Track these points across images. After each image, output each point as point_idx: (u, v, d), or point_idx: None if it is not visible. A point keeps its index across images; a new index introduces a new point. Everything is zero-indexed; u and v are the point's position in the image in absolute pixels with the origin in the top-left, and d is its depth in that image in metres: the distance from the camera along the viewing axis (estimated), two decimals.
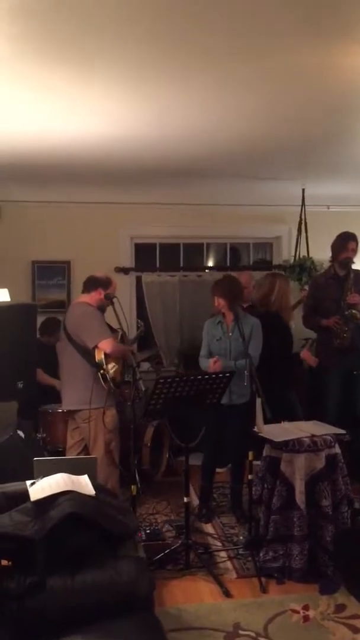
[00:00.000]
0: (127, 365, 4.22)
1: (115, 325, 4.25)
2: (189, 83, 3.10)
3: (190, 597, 3.36)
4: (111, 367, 4.02)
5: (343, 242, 4.88)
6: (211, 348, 4.33)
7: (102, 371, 3.98)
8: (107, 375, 3.99)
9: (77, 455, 4.19)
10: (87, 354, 4.05)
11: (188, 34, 2.52)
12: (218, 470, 4.62)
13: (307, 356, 4.94)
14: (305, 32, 2.50)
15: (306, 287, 5.78)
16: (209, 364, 4.15)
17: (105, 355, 3.99)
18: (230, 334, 4.26)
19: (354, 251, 4.90)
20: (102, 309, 4.26)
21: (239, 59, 2.80)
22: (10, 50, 2.57)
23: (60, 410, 4.49)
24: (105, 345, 3.99)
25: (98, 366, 4.00)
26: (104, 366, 3.98)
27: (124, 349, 4.22)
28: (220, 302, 4.25)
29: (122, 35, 2.52)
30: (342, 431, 3.83)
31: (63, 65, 2.78)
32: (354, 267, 4.91)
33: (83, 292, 4.33)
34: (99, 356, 3.99)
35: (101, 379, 4.00)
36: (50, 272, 6.23)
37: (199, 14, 2.35)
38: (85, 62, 2.76)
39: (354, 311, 4.71)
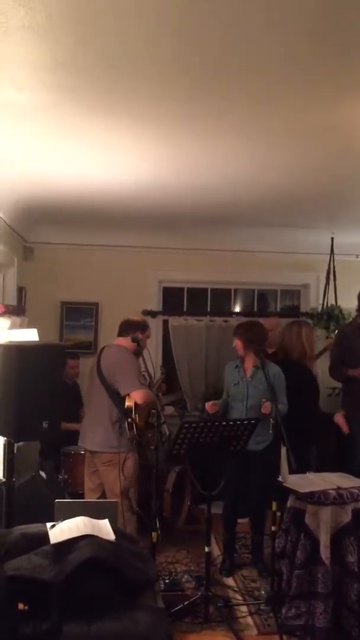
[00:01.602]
0: (151, 409, 4.19)
1: (141, 368, 4.24)
2: (219, 136, 3.19)
3: None
4: (138, 416, 4.00)
5: None
6: (230, 392, 4.31)
7: (129, 420, 3.95)
8: (135, 423, 3.95)
9: (96, 499, 4.13)
10: (117, 399, 4.02)
11: (218, 90, 2.61)
12: (240, 520, 4.50)
13: (341, 422, 4.80)
14: (336, 86, 2.56)
15: (332, 336, 5.75)
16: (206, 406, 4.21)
17: (135, 403, 3.97)
18: (250, 379, 4.22)
19: None
20: (137, 353, 4.23)
21: (269, 114, 2.88)
22: (51, 99, 2.68)
23: (82, 452, 4.46)
24: (138, 396, 3.94)
25: (126, 413, 3.97)
26: (132, 415, 3.96)
27: (154, 401, 4.16)
28: (237, 344, 4.27)
29: (158, 92, 2.63)
30: None
31: (100, 116, 2.88)
32: None
33: (119, 334, 4.28)
34: (129, 403, 3.96)
35: (127, 426, 3.96)
36: (79, 313, 6.30)
37: (228, 72, 2.43)
38: (120, 114, 2.87)
39: None
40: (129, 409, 3.97)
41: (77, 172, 3.85)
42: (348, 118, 2.86)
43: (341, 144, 3.25)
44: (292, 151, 3.41)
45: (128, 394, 3.98)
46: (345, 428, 4.78)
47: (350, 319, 5.46)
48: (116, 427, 3.98)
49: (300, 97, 2.66)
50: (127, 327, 4.25)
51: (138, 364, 4.18)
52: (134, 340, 4.17)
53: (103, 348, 4.36)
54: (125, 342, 4.20)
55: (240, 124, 3.03)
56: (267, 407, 4.02)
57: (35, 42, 2.16)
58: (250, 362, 4.25)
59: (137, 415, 3.98)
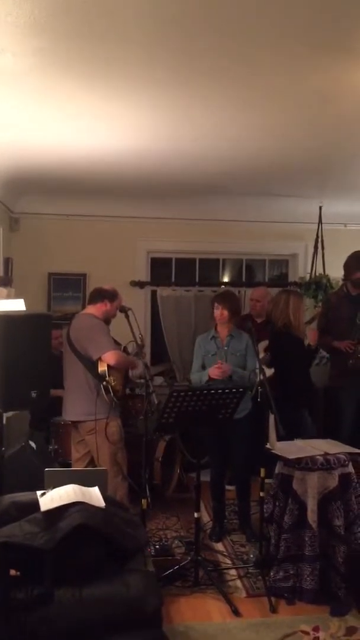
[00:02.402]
0: (140, 378, 4.21)
1: (129, 338, 4.24)
2: (206, 102, 3.14)
3: (198, 614, 3.32)
4: (113, 380, 4.02)
5: (356, 262, 4.86)
6: (205, 363, 4.29)
7: (104, 383, 3.98)
8: (110, 387, 3.98)
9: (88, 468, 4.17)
10: (90, 365, 4.05)
11: (206, 56, 2.57)
12: (228, 487, 4.56)
13: (312, 336, 4.80)
14: (323, 52, 2.52)
15: (320, 305, 5.77)
16: (212, 369, 4.12)
17: (108, 367, 4.00)
18: (226, 348, 4.24)
19: None
20: (107, 321, 4.27)
21: (257, 79, 2.84)
22: (34, 64, 2.61)
23: (70, 422, 4.49)
24: (109, 357, 3.99)
25: (101, 378, 4.00)
26: (107, 378, 3.99)
27: (129, 361, 4.24)
28: (224, 314, 4.24)
29: (143, 57, 2.58)
30: (357, 450, 3.78)
31: (82, 79, 2.82)
32: None
33: (89, 303, 4.36)
34: (102, 368, 4.00)
35: (103, 391, 3.99)
36: (66, 284, 6.27)
37: (217, 38, 2.39)
38: (103, 77, 2.80)
39: None
40: (103, 374, 4.00)
41: (61, 141, 3.79)
42: (339, 83, 2.83)
43: (332, 110, 3.21)
44: (282, 118, 3.37)
45: (100, 358, 4.01)
46: (313, 341, 4.79)
47: (337, 289, 5.49)
48: (93, 394, 4.01)
49: (290, 62, 2.62)
50: (97, 296, 4.29)
51: (107, 329, 4.20)
52: (121, 310, 4.19)
53: (73, 317, 4.40)
54: (95, 309, 4.24)
55: (227, 91, 2.98)
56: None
57: (15, 3, 2.10)
58: (225, 332, 4.28)
59: (111, 378, 4.01)
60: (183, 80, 2.86)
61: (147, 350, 6.13)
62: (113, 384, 4.02)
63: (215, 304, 4.29)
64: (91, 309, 4.28)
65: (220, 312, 4.26)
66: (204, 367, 4.30)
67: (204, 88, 2.95)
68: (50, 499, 2.63)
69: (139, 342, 4.36)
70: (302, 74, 2.75)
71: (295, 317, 4.62)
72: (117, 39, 2.41)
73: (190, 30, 2.33)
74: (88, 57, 2.58)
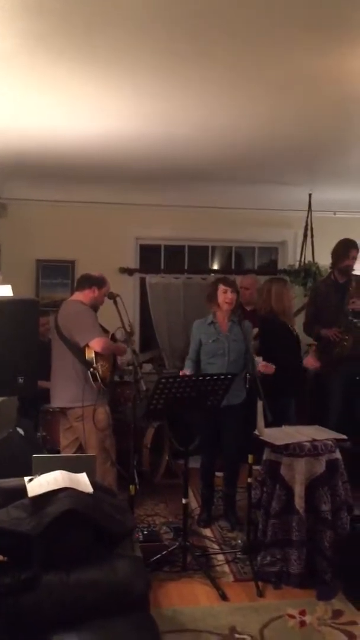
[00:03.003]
0: (128, 365, 4.20)
1: (116, 323, 4.22)
2: (195, 86, 3.11)
3: (186, 599, 3.34)
4: (101, 366, 4.01)
5: (344, 251, 4.87)
6: (207, 349, 4.25)
7: (91, 369, 3.97)
8: (97, 373, 3.98)
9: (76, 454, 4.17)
10: (78, 351, 4.04)
11: (195, 38, 2.54)
12: (217, 474, 4.57)
13: (310, 363, 4.90)
14: (312, 35, 2.50)
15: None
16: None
17: (96, 353, 3.99)
18: (228, 334, 4.22)
19: (355, 259, 4.89)
20: (95, 307, 4.26)
21: (246, 65, 2.82)
22: (18, 46, 2.57)
23: (59, 409, 4.48)
24: (96, 344, 3.98)
25: (88, 364, 3.99)
26: (94, 364, 3.98)
27: (115, 348, 4.23)
28: (233, 298, 4.17)
29: (132, 39, 2.54)
30: (344, 436, 3.81)
31: (71, 62, 2.78)
32: (354, 273, 4.91)
33: (76, 289, 4.34)
34: (89, 354, 3.99)
35: (91, 377, 3.98)
36: (55, 271, 6.24)
37: (205, 22, 2.37)
38: (92, 61, 2.76)
39: (354, 320, 4.71)
40: (90, 360, 3.99)
41: (49, 125, 3.74)
42: (330, 68, 2.81)
43: (322, 96, 3.19)
44: (271, 103, 3.34)
45: (87, 345, 4.00)
46: (313, 366, 4.88)
47: (324, 277, 5.51)
48: (81, 380, 4.00)
49: (280, 46, 2.59)
50: (85, 282, 4.28)
51: (95, 316, 4.19)
52: (110, 296, 4.18)
53: (61, 304, 4.38)
54: (82, 296, 4.24)
55: (216, 76, 2.96)
56: (267, 367, 4.05)
57: None
58: (224, 317, 4.25)
59: (99, 365, 4.00)
60: (171, 66, 2.83)
61: (136, 337, 6.11)
62: (100, 370, 4.01)
63: (224, 287, 4.20)
64: (79, 296, 4.26)
65: (230, 298, 4.17)
66: (198, 353, 4.28)
67: (193, 73, 2.92)
68: (38, 484, 2.62)
69: (128, 329, 4.34)
70: (292, 59, 2.72)
71: (278, 303, 4.63)
72: (105, 23, 2.38)
73: (178, 15, 2.31)
74: (76, 40, 2.54)
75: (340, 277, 4.92)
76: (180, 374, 4.06)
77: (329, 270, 5.07)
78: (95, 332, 4.04)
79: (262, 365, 4.02)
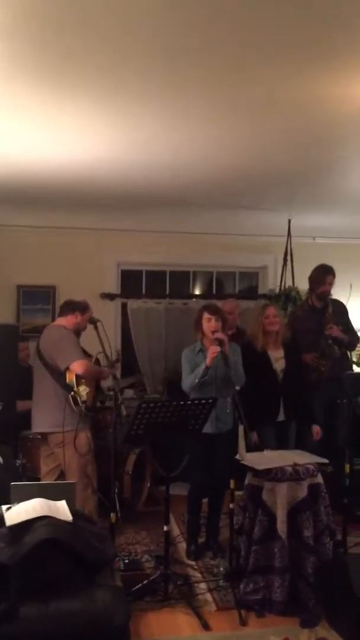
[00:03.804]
0: (109, 390, 4.17)
1: (98, 349, 4.21)
2: (174, 113, 3.16)
3: (168, 629, 3.28)
4: (82, 390, 3.98)
5: (321, 277, 4.94)
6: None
7: (72, 393, 3.95)
8: (79, 398, 3.95)
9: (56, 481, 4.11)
10: (59, 376, 4.02)
11: (173, 67, 2.60)
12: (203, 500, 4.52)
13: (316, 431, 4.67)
14: (289, 63, 2.56)
15: None
16: (209, 353, 4.00)
17: (77, 377, 3.97)
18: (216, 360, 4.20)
19: (332, 285, 4.96)
20: (77, 332, 4.26)
21: (223, 91, 2.87)
22: (1, 69, 2.59)
23: (40, 437, 4.43)
24: (77, 367, 3.96)
25: (69, 388, 3.97)
26: (75, 388, 3.95)
27: (97, 371, 4.21)
28: (217, 326, 4.10)
29: (111, 67, 2.58)
30: (325, 460, 3.80)
31: (52, 89, 2.82)
32: (331, 297, 4.96)
33: (59, 315, 4.35)
34: (70, 378, 3.97)
35: (72, 401, 3.96)
36: (36, 296, 6.22)
37: (184, 46, 2.41)
38: (73, 87, 2.80)
39: (334, 345, 4.74)
40: (71, 383, 3.98)
41: (28, 150, 3.76)
42: (308, 92, 2.86)
43: (300, 120, 3.25)
44: (250, 128, 3.40)
45: (68, 368, 3.99)
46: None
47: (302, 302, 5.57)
48: (62, 405, 3.96)
49: (258, 70, 2.64)
50: (68, 308, 4.29)
51: (77, 340, 4.19)
52: (91, 321, 4.19)
53: (42, 329, 4.38)
54: (65, 321, 4.24)
55: (196, 103, 3.01)
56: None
57: None
58: (209, 343, 4.23)
59: (79, 388, 3.98)
60: (150, 92, 2.87)
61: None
62: (83, 394, 3.98)
63: (208, 316, 4.15)
64: (61, 321, 4.26)
65: (215, 325, 4.10)
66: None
67: (172, 99, 2.97)
68: (16, 513, 2.59)
69: (116, 355, 4.35)
70: (272, 83, 2.78)
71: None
72: (85, 48, 2.42)
73: (157, 40, 2.35)
74: (56, 66, 2.58)
75: (317, 302, 4.97)
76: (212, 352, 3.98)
77: (307, 295, 5.12)
78: (76, 354, 4.02)
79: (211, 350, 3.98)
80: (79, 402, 3.96)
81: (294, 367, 4.45)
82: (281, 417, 4.43)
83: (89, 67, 2.59)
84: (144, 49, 2.41)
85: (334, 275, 4.95)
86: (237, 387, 3.95)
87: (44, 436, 4.18)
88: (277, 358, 4.46)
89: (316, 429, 4.47)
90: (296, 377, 4.44)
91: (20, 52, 2.44)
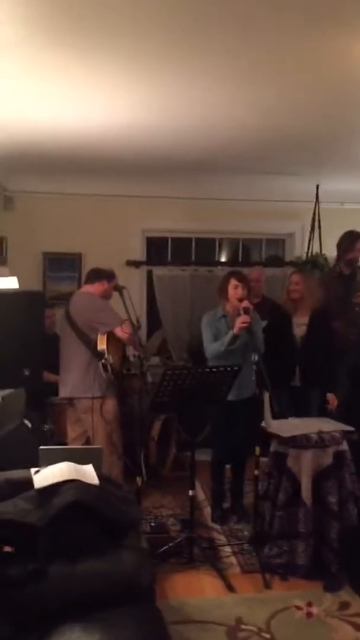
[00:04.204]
0: (135, 357, 4.19)
1: (123, 316, 4.22)
2: (198, 75, 3.09)
3: (192, 590, 3.35)
4: (111, 357, 4.02)
5: (350, 243, 4.86)
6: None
7: (103, 360, 3.98)
8: (109, 364, 3.99)
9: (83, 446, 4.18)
10: (90, 342, 4.06)
11: (196, 27, 2.52)
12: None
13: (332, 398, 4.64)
14: (318, 21, 2.46)
15: None
16: (238, 322, 3.94)
17: (108, 344, 3.99)
18: None
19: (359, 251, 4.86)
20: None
21: (250, 51, 2.78)
22: (20, 34, 2.55)
23: (67, 402, 4.48)
24: (120, 332, 4.02)
25: (99, 355, 4.00)
26: (105, 355, 3.98)
27: (135, 338, 4.23)
28: (244, 294, 4.06)
29: (132, 26, 2.52)
30: (351, 428, 3.79)
31: (72, 52, 2.76)
32: None
33: (86, 282, 4.38)
34: (101, 345, 4.01)
35: (102, 368, 3.99)
36: (61, 264, 6.23)
37: (207, 11, 2.34)
38: (95, 49, 2.74)
39: None
40: (102, 351, 4.01)
41: (54, 115, 3.72)
42: (337, 53, 2.76)
43: (329, 82, 3.14)
44: (277, 90, 3.30)
45: (107, 332, 4.03)
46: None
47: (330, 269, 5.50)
48: (91, 371, 4.00)
49: (284, 31, 2.55)
50: (95, 276, 4.32)
51: (111, 305, 4.23)
52: (116, 289, 4.19)
53: (71, 296, 4.40)
54: (93, 289, 4.27)
55: (220, 63, 2.93)
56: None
57: None
58: (234, 311, 4.19)
59: (110, 356, 4.01)
60: (175, 55, 2.80)
61: (144, 329, 6.11)
62: (112, 361, 4.02)
63: (235, 282, 4.11)
64: (89, 288, 4.29)
65: (242, 292, 4.07)
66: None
67: (197, 62, 2.90)
68: (44, 476, 2.63)
69: (136, 323, 4.36)
70: (297, 43, 2.68)
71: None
72: (107, 11, 2.36)
73: (182, 2, 2.28)
74: (80, 28, 2.52)
75: (345, 269, 4.90)
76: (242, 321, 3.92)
77: (335, 262, 5.04)
78: (119, 320, 4.08)
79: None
80: (109, 369, 3.99)
81: (317, 335, 4.41)
82: (296, 382, 4.43)
83: (112, 29, 2.52)
84: (166, 9, 2.34)
85: None
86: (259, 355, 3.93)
87: (72, 402, 4.23)
88: (299, 324, 4.48)
89: (330, 396, 4.45)
90: (318, 346, 4.40)
91: (41, 14, 2.38)
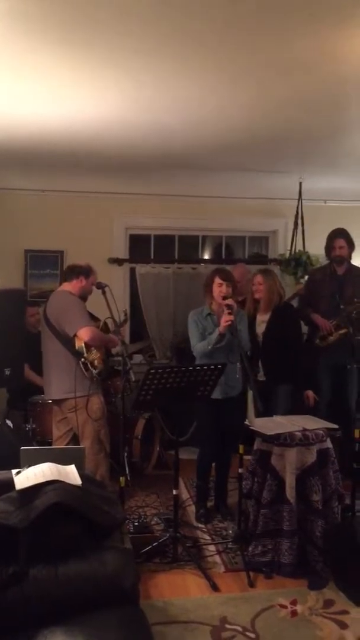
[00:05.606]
0: (118, 356, 4.16)
1: (106, 314, 4.19)
2: (183, 72, 3.06)
3: (177, 590, 3.32)
4: (92, 355, 3.97)
5: (330, 241, 4.92)
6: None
7: (82, 359, 3.93)
8: (88, 363, 3.94)
9: (66, 446, 4.14)
10: (68, 342, 4.01)
11: (183, 24, 2.49)
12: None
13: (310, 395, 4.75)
14: (301, 19, 2.45)
15: (302, 281, 5.77)
16: (222, 321, 3.93)
17: (86, 343, 3.95)
18: None
19: (342, 248, 4.87)
20: (83, 297, 4.24)
21: (234, 49, 2.77)
22: (7, 29, 2.50)
23: (50, 401, 4.44)
24: (84, 334, 3.94)
25: (78, 354, 3.95)
26: (84, 354, 3.94)
27: (105, 338, 4.19)
28: (228, 292, 4.04)
29: (119, 23, 2.49)
30: (335, 425, 3.80)
31: (58, 47, 2.72)
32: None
33: (64, 280, 4.32)
34: (79, 344, 3.96)
35: (82, 367, 3.94)
36: (43, 261, 6.17)
37: (194, 4, 2.30)
38: (80, 45, 2.71)
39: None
40: (80, 350, 3.96)
41: (37, 112, 3.67)
42: (321, 50, 2.75)
43: (314, 79, 3.13)
44: (260, 87, 3.29)
45: (75, 334, 3.97)
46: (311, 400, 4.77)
47: (319, 265, 5.51)
48: (72, 371, 3.96)
49: (270, 29, 2.53)
50: (72, 272, 4.25)
51: (83, 305, 4.16)
52: (98, 286, 4.15)
53: (49, 295, 4.35)
54: (71, 286, 4.22)
55: (207, 61, 2.90)
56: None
57: None
58: (219, 308, 4.17)
59: (90, 354, 3.96)
60: (160, 52, 2.77)
61: (127, 327, 6.06)
62: (94, 360, 3.98)
63: (219, 281, 4.10)
64: (67, 286, 4.23)
65: (225, 290, 4.05)
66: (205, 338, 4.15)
67: (182, 59, 2.87)
68: (26, 477, 2.59)
69: (124, 316, 4.32)
70: (281, 41, 2.67)
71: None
72: (93, 7, 2.32)
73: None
74: (66, 25, 2.48)
75: (339, 269, 4.91)
76: (225, 320, 3.91)
77: (327, 260, 5.08)
78: (84, 321, 4.00)
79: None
80: (90, 367, 3.95)
81: (278, 331, 4.48)
82: (261, 377, 4.51)
83: (97, 28, 2.50)
84: (155, 5, 2.31)
85: (345, 239, 4.86)
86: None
87: (57, 402, 4.19)
88: (261, 322, 4.58)
89: (309, 394, 4.48)
90: (279, 341, 4.47)
91: (30, 9, 2.34)
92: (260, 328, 4.56)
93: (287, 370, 4.48)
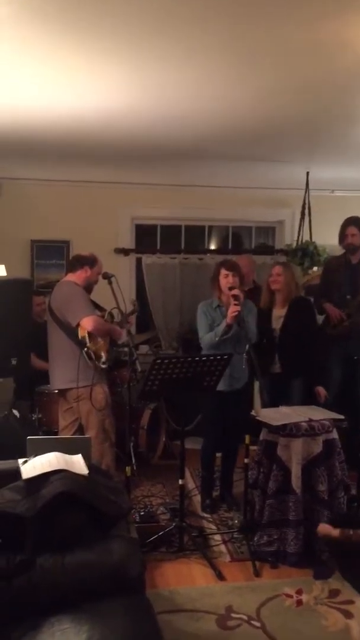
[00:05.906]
0: (124, 346, 4.16)
1: (113, 304, 4.18)
2: (190, 59, 3.01)
3: (182, 579, 3.34)
4: (96, 345, 3.97)
5: (342, 229, 4.88)
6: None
7: (86, 349, 3.93)
8: (92, 352, 3.94)
9: (72, 436, 4.15)
10: (71, 332, 4.00)
11: (190, 8, 2.44)
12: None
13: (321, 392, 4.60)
14: (310, 6, 2.40)
15: (309, 272, 5.75)
16: (229, 312, 3.92)
17: (89, 332, 3.95)
18: None
19: (355, 236, 4.83)
20: (89, 287, 4.22)
21: (242, 35, 2.72)
22: (10, 15, 2.48)
23: (56, 391, 4.45)
24: (87, 323, 3.92)
25: (81, 344, 3.95)
26: (87, 344, 3.93)
27: (109, 328, 4.17)
28: (234, 282, 4.04)
29: (124, 9, 2.44)
30: (341, 416, 3.79)
31: (64, 33, 2.68)
32: None
33: (69, 270, 4.30)
34: (82, 334, 3.95)
35: (86, 357, 3.94)
36: (50, 251, 6.16)
37: None
38: (87, 31, 2.67)
39: None
40: (83, 340, 3.95)
41: (43, 100, 3.63)
42: (331, 35, 2.70)
43: (322, 68, 3.08)
44: (269, 77, 3.25)
45: (78, 324, 3.96)
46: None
47: (326, 255, 5.49)
48: (76, 361, 3.95)
49: (279, 13, 2.49)
50: (76, 263, 4.24)
51: (87, 295, 4.15)
52: (105, 276, 4.13)
53: (55, 285, 4.34)
54: (75, 277, 4.20)
55: (213, 49, 2.86)
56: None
57: None
58: (227, 300, 4.16)
59: (93, 343, 3.96)
60: (167, 38, 2.73)
61: (133, 317, 6.05)
62: (95, 349, 3.97)
63: (225, 272, 4.09)
64: (72, 277, 4.22)
65: (232, 280, 4.05)
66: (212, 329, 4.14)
67: (189, 45, 2.83)
68: (32, 467, 2.60)
69: (132, 307, 4.30)
70: (291, 29, 2.63)
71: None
72: None
73: None
74: (71, 9, 2.45)
75: (352, 258, 4.88)
76: (233, 311, 3.89)
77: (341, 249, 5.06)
78: (86, 310, 3.98)
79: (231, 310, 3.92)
80: (93, 357, 3.95)
81: (295, 327, 4.42)
82: (277, 369, 4.45)
83: (101, 13, 2.45)
84: None
85: (357, 227, 4.82)
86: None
87: (62, 392, 4.20)
88: (278, 317, 4.49)
89: (320, 390, 4.44)
90: (297, 336, 4.41)
91: None
92: (277, 323, 4.46)
93: (303, 365, 4.43)
